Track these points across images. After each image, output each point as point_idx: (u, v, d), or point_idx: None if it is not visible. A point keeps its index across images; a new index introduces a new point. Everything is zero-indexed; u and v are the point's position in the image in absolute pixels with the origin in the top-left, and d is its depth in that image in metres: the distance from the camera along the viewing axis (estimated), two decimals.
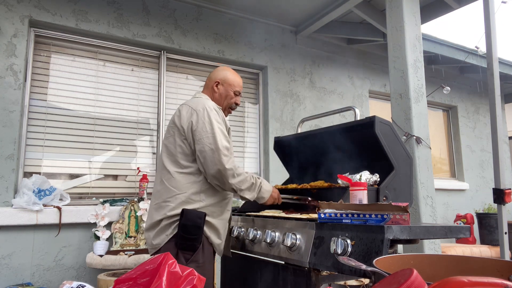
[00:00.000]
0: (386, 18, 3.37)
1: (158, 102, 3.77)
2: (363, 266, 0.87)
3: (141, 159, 3.63)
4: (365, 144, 2.06)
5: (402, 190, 2.02)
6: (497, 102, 2.87)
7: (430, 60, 5.27)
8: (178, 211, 1.82)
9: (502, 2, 4.83)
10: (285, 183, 2.65)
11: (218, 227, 1.93)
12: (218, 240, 1.93)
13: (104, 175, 3.46)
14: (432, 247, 2.94)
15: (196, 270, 0.80)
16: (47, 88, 3.32)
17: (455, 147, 6.07)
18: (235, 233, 2.10)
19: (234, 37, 4.18)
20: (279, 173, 3.89)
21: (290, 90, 4.48)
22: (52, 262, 3.03)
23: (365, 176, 1.97)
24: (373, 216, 1.47)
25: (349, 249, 1.45)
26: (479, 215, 4.84)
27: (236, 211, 2.33)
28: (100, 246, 2.96)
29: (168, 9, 3.84)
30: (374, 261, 0.86)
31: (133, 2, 3.67)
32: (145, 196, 3.34)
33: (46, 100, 3.30)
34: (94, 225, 3.12)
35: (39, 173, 3.15)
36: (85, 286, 1.20)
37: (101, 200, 3.27)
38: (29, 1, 3.21)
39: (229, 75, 2.17)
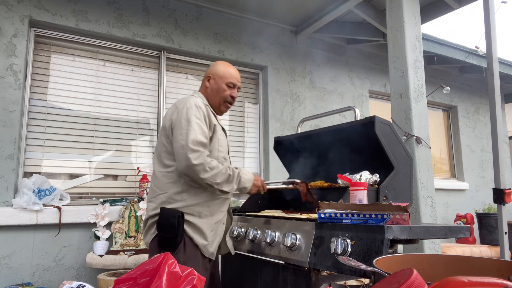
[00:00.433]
0: (386, 18, 3.37)
1: (158, 102, 3.77)
2: (363, 266, 0.87)
3: (141, 159, 3.63)
4: (365, 144, 2.06)
5: (402, 190, 2.02)
6: (497, 102, 2.87)
7: (430, 60, 5.27)
8: (158, 210, 1.83)
9: (502, 2, 4.83)
10: None
11: (202, 227, 1.86)
12: (204, 241, 1.86)
13: (104, 175, 3.46)
14: (432, 247, 2.94)
15: None
16: (47, 88, 3.32)
17: (455, 147, 6.07)
18: (235, 233, 2.10)
19: (234, 37, 4.18)
20: (279, 173, 3.89)
21: (290, 90, 4.48)
22: (52, 262, 3.03)
23: (365, 176, 1.97)
24: (373, 216, 1.47)
25: (349, 249, 1.45)
26: (479, 215, 4.84)
27: (236, 211, 2.33)
28: (100, 246, 2.96)
29: (168, 9, 3.84)
30: (374, 261, 0.86)
31: (133, 2, 3.67)
32: (145, 196, 3.34)
33: (46, 100, 3.30)
34: (94, 225, 3.12)
35: (39, 173, 3.15)
36: (85, 286, 1.20)
37: (101, 200, 3.27)
38: (29, 1, 3.21)
39: (220, 67, 2.07)
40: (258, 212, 2.28)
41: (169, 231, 1.78)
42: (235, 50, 4.15)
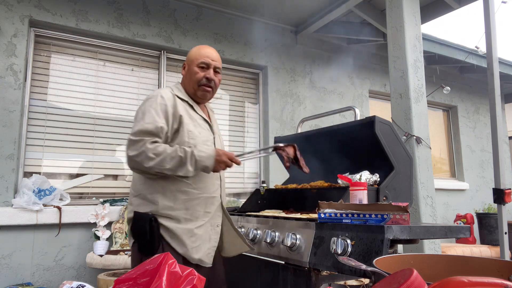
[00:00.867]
0: (386, 18, 3.37)
1: None
2: (363, 266, 0.87)
3: None
4: (365, 144, 2.06)
5: (402, 190, 2.02)
6: (497, 102, 2.87)
7: (430, 60, 5.27)
8: (132, 214, 1.70)
9: (502, 2, 4.83)
10: (285, 183, 2.65)
11: (178, 233, 1.65)
12: (182, 248, 1.65)
13: (104, 175, 3.46)
14: (432, 247, 2.94)
15: None
16: (47, 88, 3.32)
17: (455, 147, 6.07)
18: None
19: (234, 37, 4.18)
20: (279, 173, 3.89)
21: (290, 90, 4.48)
22: (52, 262, 3.03)
23: (365, 176, 1.97)
24: (373, 216, 1.47)
25: (349, 249, 1.45)
26: (479, 215, 4.84)
27: (236, 211, 2.33)
28: (100, 246, 2.96)
29: (168, 9, 3.84)
30: (374, 261, 0.86)
31: (133, 2, 3.67)
32: None
33: (46, 100, 3.30)
34: (94, 225, 3.12)
35: (39, 173, 3.15)
36: (85, 286, 1.20)
37: (101, 200, 3.27)
38: (29, 1, 3.21)
39: (192, 51, 1.88)
40: (258, 212, 2.28)
41: (142, 238, 1.63)
42: (235, 50, 4.15)
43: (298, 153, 1.89)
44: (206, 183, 1.74)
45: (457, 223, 4.88)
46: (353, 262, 0.92)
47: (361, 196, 1.71)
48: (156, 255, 0.80)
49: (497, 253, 4.32)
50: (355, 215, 1.52)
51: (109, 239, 3.10)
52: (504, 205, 2.76)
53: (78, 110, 3.41)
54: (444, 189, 5.52)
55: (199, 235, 1.70)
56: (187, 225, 1.67)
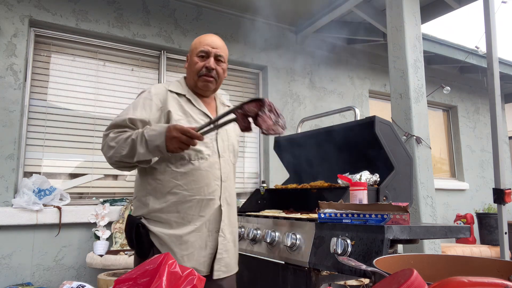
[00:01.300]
0: (386, 18, 3.37)
1: None
2: (363, 266, 0.87)
3: None
4: (365, 144, 2.06)
5: (402, 190, 2.02)
6: (497, 102, 2.86)
7: (430, 60, 5.27)
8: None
9: (502, 2, 4.83)
10: (285, 183, 2.65)
11: (165, 241, 1.50)
12: (172, 256, 1.51)
13: (104, 175, 3.46)
14: (432, 247, 2.94)
15: None
16: (47, 88, 3.32)
17: (455, 147, 6.07)
18: None
19: (234, 37, 4.18)
20: (279, 173, 3.89)
21: (290, 90, 4.48)
22: (52, 262, 3.03)
23: (365, 176, 1.97)
24: (373, 216, 1.47)
25: (349, 249, 1.45)
26: (479, 215, 4.84)
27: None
28: (100, 246, 2.96)
29: (168, 9, 3.84)
30: (374, 261, 0.86)
31: (133, 2, 3.67)
32: None
33: (46, 100, 3.30)
34: (94, 225, 3.12)
35: (39, 173, 3.15)
36: (85, 286, 1.20)
37: (101, 200, 3.27)
38: (29, 1, 3.21)
39: (193, 42, 1.73)
40: (258, 212, 2.28)
41: (131, 244, 1.53)
42: (235, 50, 4.15)
43: (265, 109, 1.37)
44: (200, 183, 1.56)
45: (457, 223, 4.88)
46: (353, 262, 0.92)
47: (361, 196, 1.71)
48: (156, 255, 0.80)
49: (497, 253, 4.32)
50: (355, 215, 1.52)
51: (109, 239, 3.10)
52: (504, 205, 2.76)
53: (78, 110, 3.41)
54: (444, 189, 5.52)
55: (191, 242, 1.52)
56: (177, 231, 1.52)
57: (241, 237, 2.07)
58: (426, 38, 4.54)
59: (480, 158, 6.18)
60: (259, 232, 1.95)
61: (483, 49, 4.87)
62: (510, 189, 2.77)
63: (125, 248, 3.04)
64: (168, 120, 1.56)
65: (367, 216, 1.48)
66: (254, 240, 1.95)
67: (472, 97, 6.31)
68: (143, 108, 1.55)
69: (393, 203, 1.46)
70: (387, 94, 5.08)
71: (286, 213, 2.09)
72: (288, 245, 1.69)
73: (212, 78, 1.66)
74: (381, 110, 5.22)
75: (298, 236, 1.71)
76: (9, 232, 2.91)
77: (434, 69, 5.63)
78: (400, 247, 2.97)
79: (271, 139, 4.10)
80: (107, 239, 3.07)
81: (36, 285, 2.93)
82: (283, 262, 1.80)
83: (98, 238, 3.04)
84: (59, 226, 3.02)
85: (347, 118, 4.55)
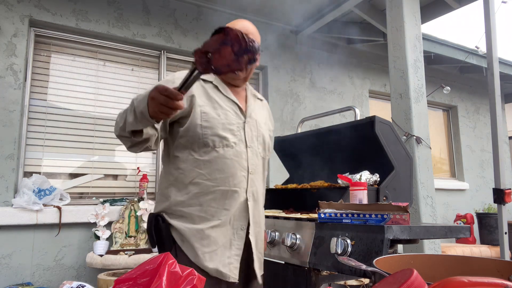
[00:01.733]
0: (386, 18, 3.37)
1: None
2: (363, 266, 0.87)
3: (141, 159, 3.63)
4: (365, 144, 2.06)
5: (402, 190, 2.02)
6: (497, 102, 2.87)
7: (430, 60, 5.27)
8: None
9: (502, 2, 4.83)
10: (285, 183, 2.65)
11: (186, 235, 1.37)
12: (192, 254, 1.36)
13: (104, 175, 3.46)
14: (432, 247, 2.94)
15: None
16: (47, 88, 3.32)
17: (455, 147, 6.07)
18: None
19: None
20: (279, 173, 3.89)
21: (290, 90, 4.48)
22: (52, 262, 3.03)
23: (365, 176, 1.97)
24: (373, 216, 1.47)
25: (349, 249, 1.45)
26: (479, 215, 4.84)
27: None
28: (100, 246, 2.96)
29: (168, 9, 3.84)
30: (374, 261, 0.86)
31: (133, 2, 3.67)
32: (145, 196, 3.34)
33: (46, 100, 3.30)
34: (94, 224, 3.12)
35: (39, 173, 3.15)
36: (85, 286, 1.20)
37: (101, 200, 3.27)
38: (29, 0, 3.21)
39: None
40: None
41: (151, 241, 1.43)
42: None
43: (228, 42, 1.08)
44: (225, 173, 1.42)
45: (457, 223, 4.88)
46: (353, 262, 0.92)
47: (361, 196, 1.71)
48: (156, 255, 0.80)
49: (497, 253, 4.32)
50: (355, 215, 1.52)
51: (109, 239, 3.10)
52: (504, 205, 2.76)
53: (78, 110, 3.41)
54: (444, 189, 5.52)
55: (213, 237, 1.38)
56: (197, 225, 1.38)
57: None
58: (426, 38, 4.54)
59: (480, 158, 6.18)
60: None
61: (483, 49, 4.87)
62: (510, 189, 2.77)
63: (125, 248, 3.04)
64: (191, 104, 1.43)
65: (367, 216, 1.48)
66: None
67: (472, 97, 6.31)
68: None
69: (393, 203, 1.46)
70: (387, 94, 5.08)
71: (286, 213, 2.09)
72: (288, 245, 1.69)
73: (241, 71, 1.43)
74: (381, 110, 5.22)
75: (298, 236, 1.71)
76: (9, 232, 2.91)
77: (434, 69, 5.62)
78: (400, 247, 2.97)
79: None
80: (107, 239, 3.07)
81: (36, 285, 2.93)
82: (283, 262, 1.80)
83: (98, 238, 3.04)
84: (59, 226, 3.02)
85: (347, 118, 4.55)
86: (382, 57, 5.07)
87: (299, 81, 4.57)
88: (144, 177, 3.42)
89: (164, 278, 0.73)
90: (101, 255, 2.90)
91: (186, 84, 1.09)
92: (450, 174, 6.01)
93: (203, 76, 1.40)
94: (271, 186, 3.78)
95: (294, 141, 2.62)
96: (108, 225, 3.15)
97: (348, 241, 1.47)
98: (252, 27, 1.56)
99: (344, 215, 1.57)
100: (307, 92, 4.60)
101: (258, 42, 1.53)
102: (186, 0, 3.91)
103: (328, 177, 2.25)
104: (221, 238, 1.39)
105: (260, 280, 1.51)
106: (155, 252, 2.89)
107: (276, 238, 1.82)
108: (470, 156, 6.05)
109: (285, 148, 2.71)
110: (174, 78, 1.45)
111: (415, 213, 2.92)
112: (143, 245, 3.10)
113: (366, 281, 2.37)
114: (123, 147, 3.65)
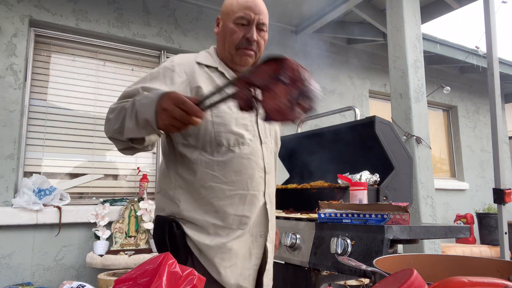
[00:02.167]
0: (386, 18, 3.37)
1: None
2: (363, 266, 0.87)
3: (141, 159, 3.63)
4: (365, 144, 2.06)
5: (402, 190, 2.02)
6: (497, 102, 2.87)
7: (430, 60, 5.27)
8: (154, 217, 1.32)
9: (502, 2, 4.83)
10: (285, 183, 2.65)
11: (203, 249, 1.20)
12: (214, 270, 1.19)
13: (104, 175, 3.46)
14: (432, 247, 2.94)
15: None
16: (47, 88, 3.32)
17: (455, 147, 6.07)
18: None
19: None
20: (279, 173, 3.88)
21: None
22: (52, 261, 3.03)
23: (365, 176, 1.97)
24: (373, 216, 1.47)
25: (349, 249, 1.45)
26: (479, 215, 4.84)
27: None
28: (100, 246, 2.96)
29: (168, 9, 3.84)
30: (374, 261, 0.86)
31: (133, 2, 3.67)
32: (145, 196, 3.34)
33: (46, 100, 3.30)
34: (94, 224, 3.12)
35: (39, 173, 3.15)
36: (85, 286, 1.20)
37: (101, 200, 3.27)
38: (29, 0, 3.20)
39: (226, 1, 1.44)
40: None
41: (161, 248, 1.23)
42: None
43: (282, 77, 0.93)
44: (242, 175, 1.24)
45: (457, 223, 4.88)
46: (353, 262, 0.92)
47: (361, 196, 1.71)
48: (156, 255, 0.80)
49: (497, 253, 4.32)
50: (355, 215, 1.52)
51: (109, 239, 3.10)
52: (504, 205, 2.76)
53: (78, 110, 3.41)
54: (444, 189, 5.52)
55: (234, 250, 1.22)
56: (218, 238, 1.21)
57: None
58: (426, 38, 4.54)
59: (480, 158, 6.18)
60: None
61: (483, 49, 4.87)
62: (510, 189, 2.77)
63: (125, 248, 3.04)
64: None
65: (367, 216, 1.48)
66: None
67: (472, 97, 6.31)
68: (163, 78, 1.22)
69: (393, 203, 1.46)
70: (387, 94, 5.08)
71: (286, 213, 2.09)
72: (288, 245, 1.69)
73: (252, 52, 1.36)
74: (381, 110, 5.22)
75: (298, 236, 1.71)
76: (9, 232, 2.91)
77: (434, 69, 5.62)
78: (400, 247, 2.97)
79: None
80: (107, 239, 3.07)
81: (36, 285, 2.93)
82: (283, 262, 1.80)
83: (98, 238, 3.04)
84: (59, 226, 3.02)
85: (347, 118, 4.55)
86: (382, 57, 5.07)
87: None
88: (144, 177, 3.42)
89: (164, 278, 0.72)
90: (101, 255, 2.90)
91: (211, 104, 0.94)
92: (450, 174, 6.01)
93: (203, 62, 1.31)
94: None
95: (294, 141, 2.62)
96: (108, 225, 3.15)
97: (348, 241, 1.47)
98: (264, 6, 1.40)
99: (344, 215, 1.57)
100: None
101: (268, 22, 1.39)
102: (186, 0, 3.91)
103: (328, 177, 2.25)
104: (242, 249, 1.24)
105: None
106: (155, 252, 2.90)
107: None
108: (470, 156, 6.05)
109: (285, 148, 2.71)
110: (173, 65, 1.26)
111: (415, 213, 2.92)
112: (143, 245, 3.10)
113: (366, 281, 2.37)
114: None
